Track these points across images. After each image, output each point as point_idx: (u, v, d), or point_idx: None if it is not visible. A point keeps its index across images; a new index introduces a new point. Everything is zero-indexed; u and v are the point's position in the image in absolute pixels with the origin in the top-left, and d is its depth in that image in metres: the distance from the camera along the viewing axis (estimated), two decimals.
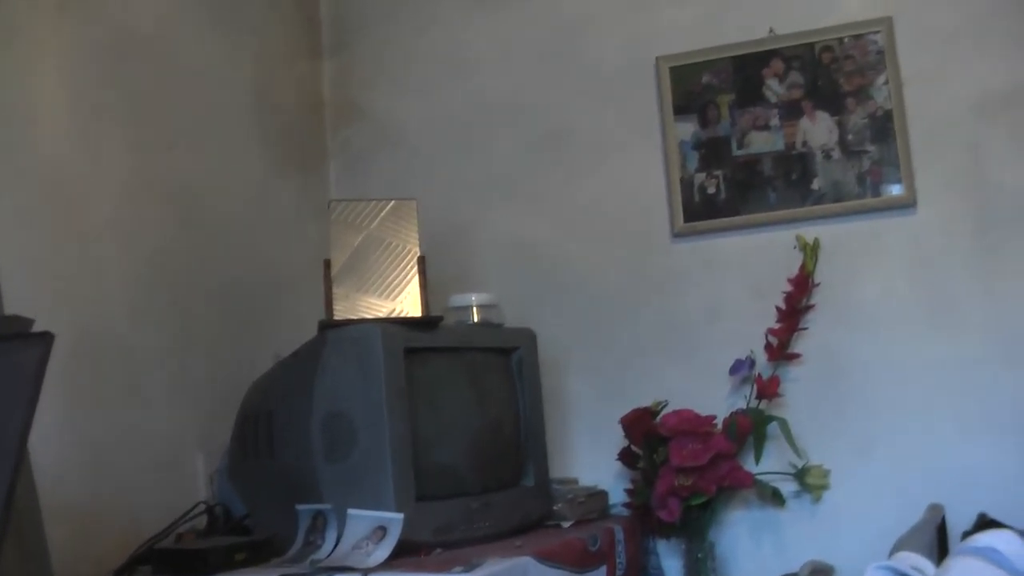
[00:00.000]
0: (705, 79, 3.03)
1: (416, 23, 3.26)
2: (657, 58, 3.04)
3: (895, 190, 2.88)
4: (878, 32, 2.91)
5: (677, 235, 3.00)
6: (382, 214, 2.52)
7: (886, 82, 2.89)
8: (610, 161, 3.07)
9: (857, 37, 2.95)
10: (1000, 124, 2.77)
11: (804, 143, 2.96)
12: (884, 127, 2.89)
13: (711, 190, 3.02)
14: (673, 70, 3.04)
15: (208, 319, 2.60)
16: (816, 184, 2.94)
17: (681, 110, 3.04)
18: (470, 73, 3.21)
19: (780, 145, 2.97)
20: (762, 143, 3.00)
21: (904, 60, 2.90)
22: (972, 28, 2.82)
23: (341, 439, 2.20)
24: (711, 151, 2.99)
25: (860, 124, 2.92)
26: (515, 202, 3.14)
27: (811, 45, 2.98)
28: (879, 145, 2.89)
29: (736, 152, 2.99)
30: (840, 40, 2.96)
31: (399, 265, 2.52)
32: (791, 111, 2.96)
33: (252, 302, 2.76)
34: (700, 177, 3.02)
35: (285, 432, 2.26)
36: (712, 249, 2.97)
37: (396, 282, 2.51)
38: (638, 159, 3.05)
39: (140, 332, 2.35)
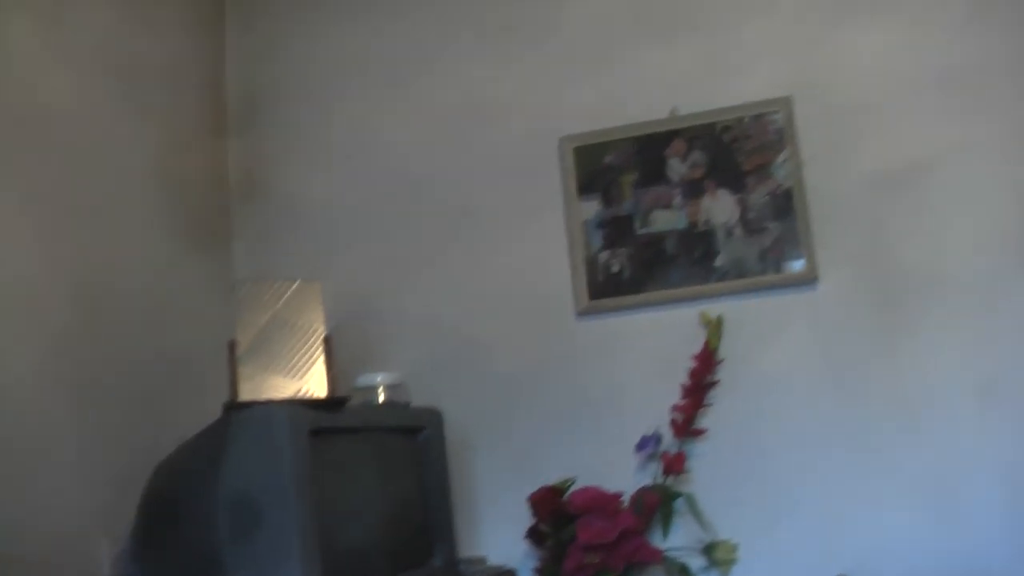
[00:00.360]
0: (608, 159, 3.17)
1: (323, 102, 3.42)
2: (560, 139, 3.18)
3: (796, 266, 3.01)
4: (778, 112, 3.06)
5: (582, 313, 3.13)
6: (287, 294, 2.60)
7: (786, 160, 3.04)
8: (515, 240, 3.21)
9: (758, 117, 3.09)
10: (897, 200, 2.96)
11: (707, 221, 3.09)
12: (785, 204, 3.03)
13: (615, 268, 3.13)
14: (577, 150, 3.18)
15: (112, 401, 2.64)
16: (719, 261, 3.06)
17: (585, 189, 3.17)
18: (376, 152, 3.34)
19: (683, 223, 3.11)
20: (665, 221, 3.13)
21: (803, 139, 3.06)
22: (869, 107, 3.01)
23: (247, 521, 2.24)
24: (615, 230, 3.13)
25: (761, 202, 3.05)
26: (421, 281, 3.26)
27: (712, 125, 3.11)
28: (780, 222, 3.02)
29: (639, 231, 3.13)
30: (741, 120, 3.10)
31: (305, 345, 2.60)
32: (693, 190, 3.11)
33: (157, 383, 2.82)
34: (604, 255, 3.13)
35: (190, 514, 2.30)
36: (617, 327, 3.10)
37: (302, 362, 2.59)
38: (543, 238, 3.18)
39: (43, 413, 2.37)
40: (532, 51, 3.28)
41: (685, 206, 3.12)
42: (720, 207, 3.10)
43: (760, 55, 3.14)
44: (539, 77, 3.27)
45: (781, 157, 3.07)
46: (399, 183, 3.34)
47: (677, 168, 3.15)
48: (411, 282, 3.28)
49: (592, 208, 3.19)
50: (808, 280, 3.01)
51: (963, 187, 2.95)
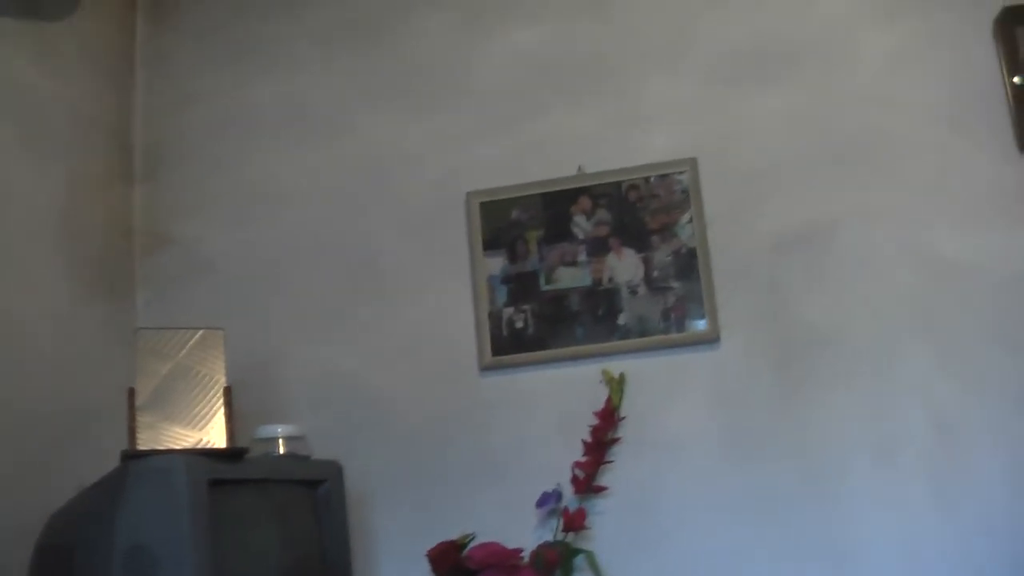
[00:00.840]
0: (515, 214, 3.33)
1: (230, 154, 3.58)
2: (467, 193, 3.35)
3: (699, 325, 3.18)
4: (683, 172, 3.25)
5: (485, 369, 3.28)
6: (190, 343, 2.68)
7: (690, 220, 3.21)
8: (420, 294, 3.37)
9: (663, 177, 3.26)
10: (797, 261, 3.18)
11: (611, 279, 3.25)
12: (688, 264, 3.20)
13: (519, 324, 3.26)
14: (483, 205, 3.34)
15: (7, 448, 2.69)
16: (622, 319, 3.21)
17: (491, 245, 3.32)
18: (282, 205, 3.51)
19: (587, 281, 3.26)
20: (570, 278, 3.27)
21: (708, 199, 3.27)
22: (771, 170, 3.23)
23: (143, 572, 2.28)
24: (520, 286, 3.28)
25: (665, 261, 3.22)
26: (325, 334, 3.41)
27: (618, 184, 3.30)
28: (683, 281, 3.20)
29: (544, 287, 3.27)
30: (647, 179, 3.29)
31: (206, 395, 2.68)
32: (598, 247, 3.28)
33: (55, 431, 2.88)
34: (509, 311, 3.26)
35: (85, 565, 2.34)
36: (520, 383, 3.26)
37: (202, 412, 2.66)
38: (448, 293, 3.34)
39: None
40: (440, 108, 3.48)
41: (590, 263, 3.28)
42: (625, 265, 3.27)
43: (666, 117, 3.35)
44: (447, 133, 3.45)
45: (685, 217, 3.25)
46: (305, 236, 3.49)
47: (583, 225, 3.32)
48: (315, 335, 3.41)
49: (497, 263, 3.34)
50: (710, 339, 3.19)
51: (862, 251, 3.16)
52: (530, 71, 3.46)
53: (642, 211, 3.30)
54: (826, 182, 3.25)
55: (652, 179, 3.31)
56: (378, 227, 3.48)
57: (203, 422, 2.69)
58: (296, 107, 3.61)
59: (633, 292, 3.27)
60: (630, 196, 3.32)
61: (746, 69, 3.35)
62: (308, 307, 3.46)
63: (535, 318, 3.29)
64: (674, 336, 3.23)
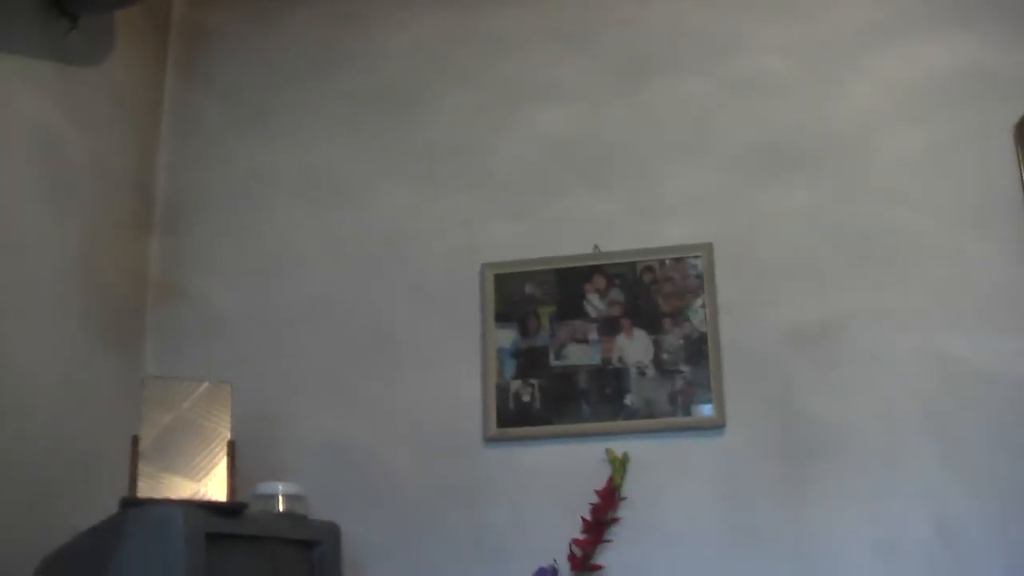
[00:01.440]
0: (528, 289, 3.37)
1: (250, 213, 3.67)
2: (483, 265, 3.42)
3: (705, 411, 3.22)
4: (698, 257, 3.31)
5: (490, 440, 3.31)
6: (195, 395, 2.76)
7: (703, 306, 3.27)
8: (429, 363, 3.42)
9: (678, 260, 3.33)
10: (808, 355, 3.22)
11: (620, 359, 3.31)
12: (699, 349, 3.24)
13: (526, 398, 3.31)
14: (498, 278, 3.39)
15: (7, 489, 2.72)
16: (629, 400, 3.28)
17: (503, 318, 3.38)
18: (297, 268, 3.58)
19: (597, 359, 3.31)
20: (579, 356, 3.34)
21: (721, 286, 3.32)
22: (786, 262, 3.30)
23: None
24: (529, 360, 3.34)
25: (676, 344, 3.28)
26: (332, 398, 3.46)
27: (633, 264, 3.35)
28: (693, 366, 3.25)
29: (553, 362, 3.33)
30: (661, 262, 3.34)
31: (208, 448, 2.76)
32: (610, 327, 3.33)
33: (58, 475, 2.91)
34: (516, 384, 3.32)
35: None
36: (523, 457, 3.29)
37: (204, 464, 2.73)
38: (457, 363, 3.40)
39: None
40: (461, 183, 3.56)
41: (600, 342, 3.32)
42: (635, 346, 3.32)
43: (684, 203, 3.42)
44: (466, 208, 3.53)
45: (698, 302, 3.29)
46: (317, 300, 3.54)
47: (596, 304, 3.36)
48: (321, 397, 3.47)
49: (508, 336, 3.39)
50: (716, 426, 3.21)
51: (874, 349, 3.22)
52: (551, 151, 3.55)
53: (655, 293, 3.36)
54: (841, 278, 3.29)
55: (667, 262, 3.36)
56: (391, 295, 3.53)
57: (204, 474, 2.74)
58: (317, 172, 3.68)
59: (642, 373, 3.31)
60: (644, 278, 3.37)
61: (767, 162, 3.42)
62: (316, 370, 3.50)
63: (542, 393, 3.33)
64: (680, 420, 3.26)
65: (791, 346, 3.27)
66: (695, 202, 3.45)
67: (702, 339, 3.29)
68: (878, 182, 3.35)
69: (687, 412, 3.27)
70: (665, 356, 3.31)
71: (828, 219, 3.34)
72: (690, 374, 3.29)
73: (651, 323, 3.35)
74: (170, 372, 3.35)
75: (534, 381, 3.35)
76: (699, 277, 3.33)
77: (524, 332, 3.40)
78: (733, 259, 3.36)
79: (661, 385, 3.30)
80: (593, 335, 3.37)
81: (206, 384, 2.82)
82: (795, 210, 3.36)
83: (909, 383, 3.17)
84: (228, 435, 2.80)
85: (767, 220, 3.38)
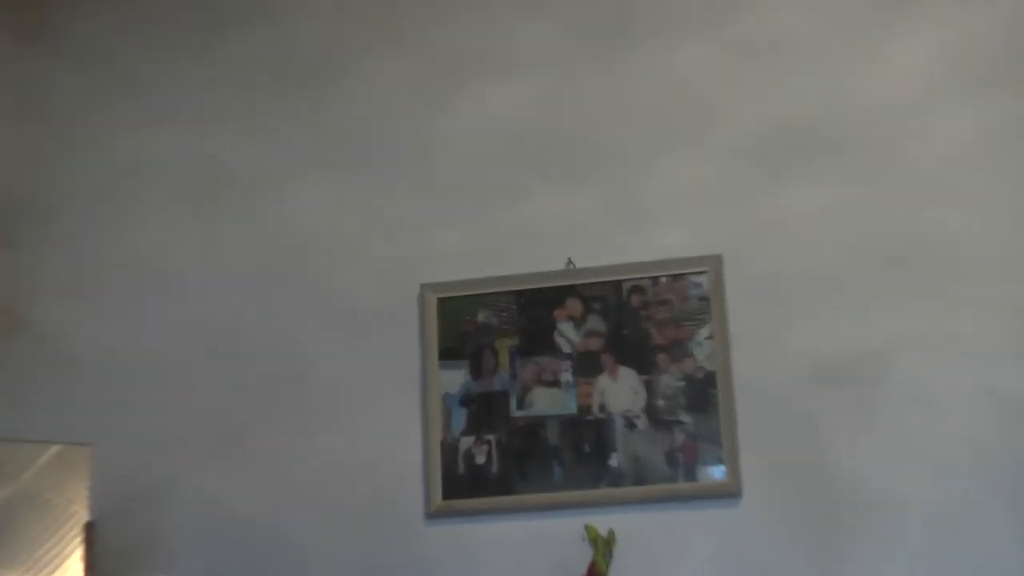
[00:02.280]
0: (482, 317, 3.16)
1: (114, 218, 3.41)
2: (422, 286, 3.19)
3: (715, 474, 2.98)
4: (703, 273, 3.08)
5: (433, 516, 3.07)
6: (40, 462, 2.56)
7: (709, 337, 3.05)
8: (352, 415, 3.20)
9: (676, 278, 3.10)
10: (840, 396, 2.99)
11: (602, 407, 3.08)
12: (705, 393, 3.03)
13: (480, 459, 3.09)
14: (442, 303, 3.17)
15: None
16: (615, 460, 3.04)
17: (449, 354, 3.17)
18: (178, 290, 3.33)
19: (572, 407, 3.08)
20: (549, 403, 3.10)
21: (733, 311, 3.08)
22: (812, 279, 3.07)
23: None
24: (484, 409, 3.12)
25: (674, 387, 3.06)
26: (223, 460, 3.20)
27: (618, 284, 3.13)
28: (697, 415, 3.02)
29: (515, 412, 3.10)
30: (655, 280, 3.11)
31: (58, 531, 2.54)
32: (588, 365, 3.11)
33: None
34: (467, 442, 3.10)
35: None
36: (477, 536, 3.05)
37: (52, 555, 2.53)
38: (389, 414, 3.18)
39: None
40: (393, 181, 3.36)
41: (576, 385, 3.10)
42: (621, 389, 3.08)
43: (683, 203, 3.20)
44: (400, 213, 3.31)
45: (703, 332, 3.07)
46: (205, 331, 3.31)
47: (569, 335, 3.15)
48: (210, 460, 3.21)
49: (456, 378, 3.16)
50: (729, 494, 2.97)
51: (919, 387, 2.97)
52: (509, 139, 3.34)
53: (647, 321, 3.11)
54: (879, 297, 3.07)
55: (663, 280, 3.12)
56: (302, 325, 3.30)
57: (51, 567, 2.53)
58: (205, 166, 3.45)
59: (631, 425, 3.07)
60: (632, 301, 3.14)
61: (784, 151, 3.19)
62: (203, 424, 3.25)
63: (501, 453, 3.10)
64: (682, 487, 3.02)
65: (820, 386, 3.03)
66: (696, 203, 3.22)
67: (709, 380, 3.07)
68: (923, 176, 3.11)
69: (691, 476, 3.03)
70: (661, 403, 3.08)
71: (863, 224, 3.12)
72: (693, 426, 3.05)
73: (642, 360, 3.11)
74: (8, 431, 2.98)
75: (490, 437, 3.12)
76: (704, 299, 3.10)
77: (477, 373, 3.17)
78: (747, 276, 3.12)
79: (656, 441, 3.06)
80: (567, 376, 3.14)
81: (56, 447, 2.60)
82: (822, 212, 3.13)
83: (963, 429, 2.94)
84: (86, 514, 2.59)
85: (788, 225, 3.15)
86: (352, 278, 3.33)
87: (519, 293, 3.17)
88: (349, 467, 3.20)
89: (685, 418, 3.04)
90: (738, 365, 3.07)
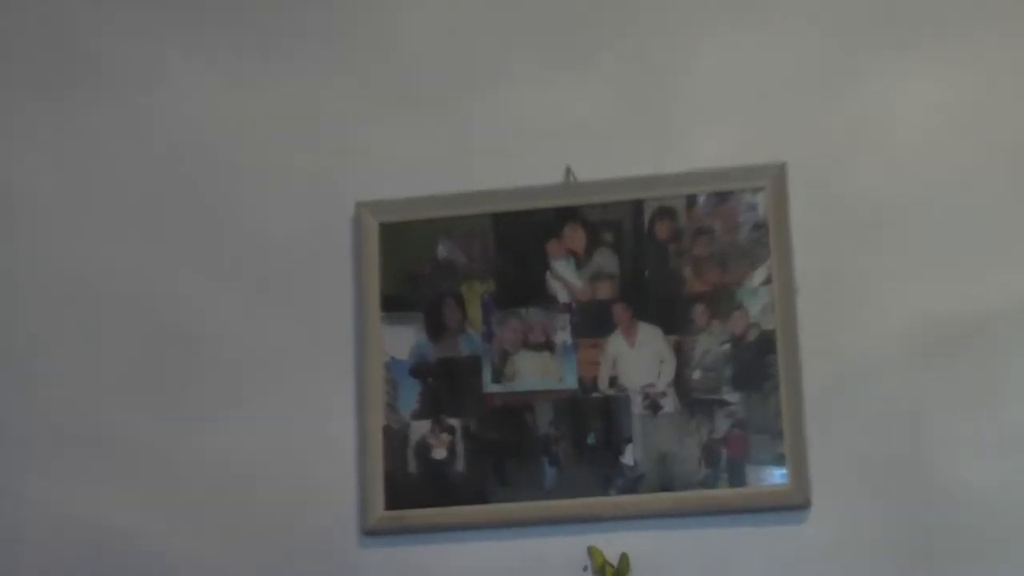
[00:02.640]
0: (443, 251, 2.83)
1: None
2: (358, 206, 2.84)
3: (773, 476, 2.64)
4: (759, 190, 2.72)
5: (371, 533, 2.75)
6: None
7: (767, 282, 2.69)
8: (260, 394, 2.90)
9: (721, 197, 2.73)
10: (951, 374, 2.69)
11: (613, 380, 2.72)
12: (759, 362, 2.67)
13: (440, 454, 2.76)
14: (387, 230, 2.84)
15: None
16: (630, 456, 2.69)
17: (396, 304, 2.82)
18: (6, 211, 3.06)
19: (570, 381, 2.74)
20: (538, 375, 2.76)
21: (802, 245, 2.73)
22: (923, 206, 2.76)
23: None
24: (445, 383, 2.79)
25: (716, 353, 2.70)
26: (73, 455, 2.92)
27: (638, 205, 2.77)
28: (748, 394, 2.67)
29: (490, 387, 2.76)
30: (690, 200, 2.75)
31: None
32: (594, 321, 2.76)
33: None
34: (421, 429, 2.76)
35: None
36: (433, 562, 2.76)
37: None
38: (311, 392, 2.87)
39: None
40: (316, 57, 3.03)
41: (576, 349, 2.75)
42: (640, 356, 2.73)
43: (727, 92, 2.89)
44: (325, 103, 3.01)
45: (759, 275, 2.71)
46: (45, 270, 3.01)
47: (567, 278, 2.78)
48: (55, 454, 2.93)
49: (406, 339, 2.82)
50: (792, 505, 2.63)
51: None
52: (485, 16, 3.01)
53: (678, 259, 2.75)
54: (1013, 240, 2.73)
55: (701, 199, 2.75)
56: (186, 262, 2.98)
57: None
58: (51, 35, 3.13)
59: (653, 407, 2.70)
60: (658, 230, 2.76)
61: (880, 23, 2.86)
62: (41, 403, 2.95)
63: (470, 444, 2.75)
64: (725, 494, 2.66)
65: (923, 360, 2.68)
66: (752, 92, 2.87)
67: (765, 343, 2.67)
68: None
69: (738, 479, 2.65)
70: (697, 375, 2.69)
71: (993, 131, 2.77)
72: (743, 408, 2.66)
73: (670, 314, 2.72)
74: None
75: (454, 422, 2.75)
76: (759, 227, 2.72)
77: (436, 331, 2.80)
78: (823, 197, 2.77)
79: (689, 429, 2.68)
80: (564, 336, 2.76)
81: None
82: (936, 111, 2.79)
83: None
84: None
85: (883, 129, 2.80)
86: (257, 198, 2.99)
87: (497, 217, 2.81)
88: (253, 466, 2.88)
89: (731, 397, 2.67)
90: (807, 324, 2.68)
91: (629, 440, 2.71)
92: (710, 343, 2.72)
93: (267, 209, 3.01)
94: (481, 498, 2.75)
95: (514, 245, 2.83)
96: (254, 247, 3.01)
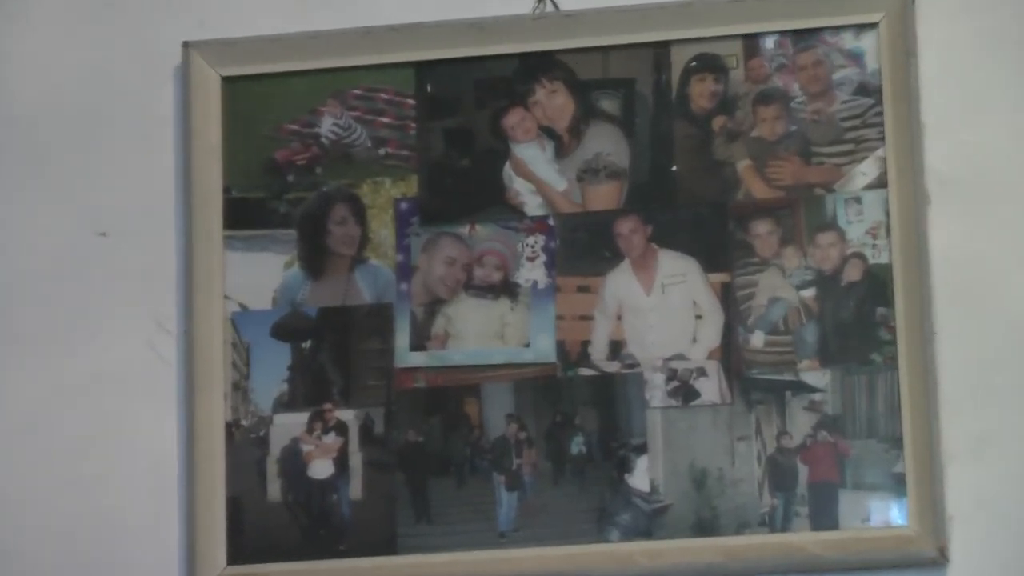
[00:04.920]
0: (328, 124, 2.43)
1: None
2: (186, 48, 2.42)
3: (886, 512, 2.23)
4: (868, 28, 2.33)
5: None
6: None
7: (879, 183, 2.29)
8: (32, 347, 2.49)
9: (804, 38, 2.32)
10: None
11: (616, 348, 2.31)
12: (863, 318, 2.26)
13: (321, 470, 2.37)
14: (233, 87, 2.42)
15: None
16: (644, 474, 2.28)
17: (248, 214, 2.41)
18: None
19: (544, 347, 2.35)
20: (488, 336, 2.34)
21: (938, 118, 2.30)
22: None
23: None
24: (331, 351, 2.36)
25: (791, 302, 2.30)
26: None
27: (660, 50, 2.33)
28: (843, 372, 2.28)
29: (406, 359, 2.33)
30: (750, 44, 2.33)
31: None
32: (585, 246, 2.36)
33: None
34: (289, 426, 2.35)
35: None
36: None
37: None
38: (104, 358, 2.43)
39: None
40: None
41: (555, 293, 2.36)
42: (661, 308, 2.31)
43: None
44: None
45: (865, 171, 2.29)
46: None
47: (540, 174, 2.37)
48: None
49: (265, 274, 2.40)
50: (920, 560, 2.20)
51: None
52: None
53: (729, 143, 2.31)
54: None
55: (767, 44, 2.33)
56: None
57: None
58: None
59: (683, 394, 2.28)
60: (694, 94, 2.33)
61: None
62: None
63: (372, 454, 2.36)
64: (805, 540, 2.22)
65: None
66: None
67: (875, 288, 2.26)
68: None
69: (825, 517, 2.22)
70: (757, 340, 2.28)
71: None
72: (837, 397, 2.26)
73: (714, 238, 2.33)
74: None
75: (347, 416, 2.37)
76: (868, 91, 2.30)
77: (316, 261, 2.37)
78: (970, 38, 2.37)
79: (743, 432, 2.28)
80: (533, 272, 2.37)
81: None
82: None
83: None
84: None
85: None
86: (32, 29, 2.66)
87: (422, 70, 2.44)
88: (20, 490, 2.50)
89: (815, 378, 2.30)
90: (944, 256, 2.28)
91: (642, 448, 2.32)
92: (780, 287, 2.34)
93: (57, 51, 2.63)
94: (388, 546, 2.34)
95: (451, 116, 2.45)
96: (27, 113, 2.64)
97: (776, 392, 2.28)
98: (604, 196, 2.35)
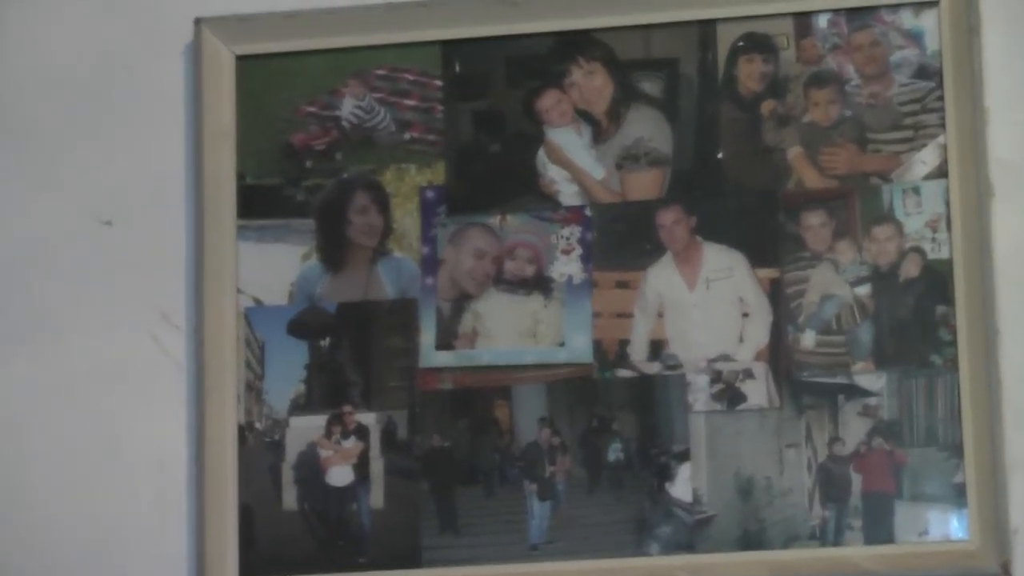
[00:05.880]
0: (349, 106, 2.42)
1: None
2: (198, 24, 2.42)
3: (947, 526, 2.22)
4: (928, 6, 2.33)
5: None
6: None
7: (940, 172, 2.29)
8: (28, 346, 2.51)
9: (860, 17, 2.33)
10: None
11: (657, 348, 2.31)
12: (922, 316, 2.26)
13: (341, 477, 2.38)
14: (248, 66, 2.42)
15: None
16: (686, 483, 2.32)
17: (264, 202, 2.43)
18: None
19: (580, 347, 2.35)
20: (519, 334, 2.36)
21: (1004, 102, 2.29)
22: None
23: None
24: (349, 349, 2.37)
25: (845, 300, 2.31)
26: None
27: (706, 28, 2.35)
28: (901, 375, 2.27)
29: (432, 357, 2.34)
30: (802, 22, 2.35)
31: None
32: (625, 239, 2.35)
33: None
34: (306, 430, 2.37)
35: None
36: None
37: None
38: (107, 355, 2.43)
39: None
40: None
41: (592, 288, 2.33)
42: (706, 306, 2.34)
43: None
44: None
45: (923, 160, 2.28)
46: None
47: (577, 161, 2.36)
48: None
49: (281, 267, 2.41)
50: None
51: None
52: None
53: (780, 128, 2.31)
54: None
55: (820, 22, 2.33)
56: None
57: None
58: None
59: (728, 397, 2.28)
60: (743, 76, 2.34)
61: None
62: None
63: (395, 460, 2.35)
64: (859, 555, 2.23)
65: None
66: None
67: (935, 285, 2.25)
68: None
69: (880, 530, 2.21)
70: (808, 340, 2.28)
71: None
72: (894, 401, 2.26)
73: (763, 230, 2.32)
74: None
75: (368, 419, 2.37)
76: (924, 71, 2.30)
77: (336, 253, 2.37)
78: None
79: (793, 438, 2.27)
80: (568, 267, 2.36)
81: None
82: None
83: None
84: None
85: None
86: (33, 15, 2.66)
87: (450, 47, 2.43)
88: (12, 491, 2.49)
89: (870, 381, 2.29)
90: (1009, 252, 2.27)
91: (684, 455, 2.31)
92: (833, 283, 2.33)
93: (50, 36, 2.64)
94: (411, 558, 2.34)
95: (480, 98, 2.44)
96: (25, 93, 2.65)
97: (828, 396, 2.27)
98: (645, 185, 2.33)
